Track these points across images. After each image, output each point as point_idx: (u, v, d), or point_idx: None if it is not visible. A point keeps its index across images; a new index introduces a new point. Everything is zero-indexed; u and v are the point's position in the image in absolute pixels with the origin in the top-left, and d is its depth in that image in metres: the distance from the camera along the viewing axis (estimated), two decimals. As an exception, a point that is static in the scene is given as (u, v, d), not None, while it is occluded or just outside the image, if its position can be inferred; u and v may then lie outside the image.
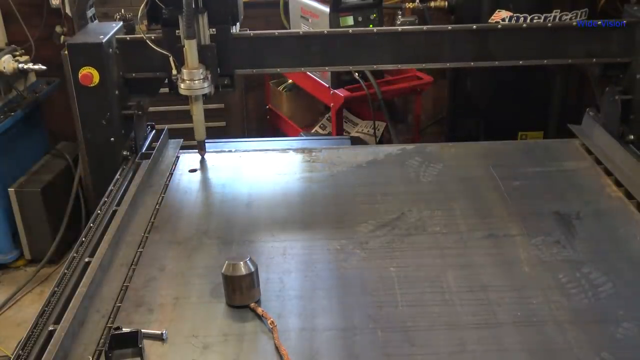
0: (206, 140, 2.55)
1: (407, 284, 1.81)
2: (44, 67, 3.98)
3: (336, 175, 2.44)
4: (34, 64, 3.98)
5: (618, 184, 2.28)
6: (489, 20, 3.53)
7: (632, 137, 2.41)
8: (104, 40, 2.31)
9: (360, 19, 3.65)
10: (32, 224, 4.04)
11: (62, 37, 4.18)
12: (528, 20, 3.45)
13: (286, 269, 1.89)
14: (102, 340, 1.61)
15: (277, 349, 1.57)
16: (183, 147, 2.66)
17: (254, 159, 2.58)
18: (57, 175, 4.18)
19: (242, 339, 1.63)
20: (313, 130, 4.28)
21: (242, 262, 1.71)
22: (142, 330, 1.58)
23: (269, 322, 1.65)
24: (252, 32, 2.46)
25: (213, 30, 2.37)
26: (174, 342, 1.62)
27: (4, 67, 3.87)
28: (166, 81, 2.45)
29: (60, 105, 4.32)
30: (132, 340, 1.54)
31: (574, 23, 2.66)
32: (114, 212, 2.12)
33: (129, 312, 1.72)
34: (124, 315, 1.71)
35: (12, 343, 3.17)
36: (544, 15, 3.46)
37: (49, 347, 1.52)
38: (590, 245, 1.97)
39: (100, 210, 2.16)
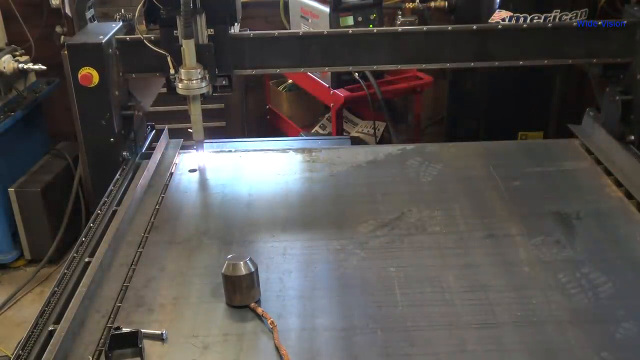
0: (206, 141, 2.55)
1: (407, 284, 1.81)
2: (44, 67, 3.99)
3: (336, 175, 2.44)
4: (34, 64, 3.98)
5: (618, 184, 2.28)
6: (489, 20, 3.54)
7: (632, 137, 2.41)
8: (103, 41, 2.31)
9: (360, 19, 3.66)
10: (32, 224, 4.04)
11: (62, 37, 4.18)
12: (528, 21, 3.46)
13: (286, 269, 1.89)
14: (102, 340, 1.61)
15: (277, 349, 1.57)
16: (183, 147, 2.66)
17: (254, 159, 2.58)
18: (57, 175, 4.18)
19: (242, 339, 1.63)
20: (313, 130, 4.28)
21: (242, 262, 1.71)
22: (142, 330, 1.58)
23: (269, 322, 1.65)
24: (251, 32, 2.46)
25: (211, 31, 2.38)
26: (174, 342, 1.62)
27: (4, 67, 3.87)
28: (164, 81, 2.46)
29: (60, 105, 4.32)
30: (132, 340, 1.54)
31: (574, 23, 2.65)
32: (114, 212, 2.12)
33: (129, 312, 1.72)
34: (124, 315, 1.71)
35: (12, 343, 3.17)
36: (544, 15, 3.46)
37: (49, 347, 1.52)
38: (590, 245, 1.97)
39: (100, 210, 2.16)
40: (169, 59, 2.32)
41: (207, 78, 2.36)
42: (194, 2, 2.25)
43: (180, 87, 2.34)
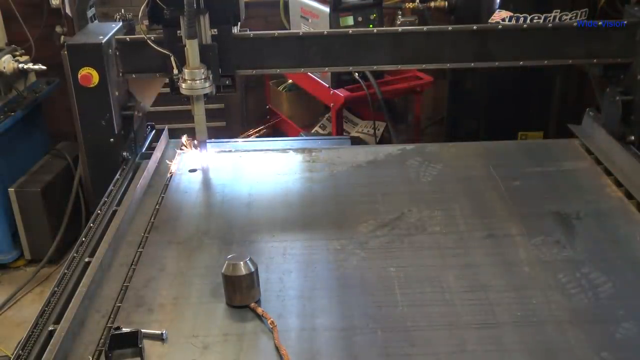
0: (206, 140, 2.55)
1: (407, 284, 1.82)
2: (44, 67, 3.98)
3: (336, 175, 2.44)
4: (34, 64, 3.98)
5: (618, 184, 2.28)
6: (489, 21, 3.53)
7: (632, 137, 2.41)
8: (103, 41, 2.31)
9: (360, 19, 3.65)
10: (32, 224, 4.04)
11: (62, 37, 4.18)
12: (528, 21, 3.45)
13: (286, 269, 1.89)
14: (102, 340, 1.61)
15: (277, 349, 1.57)
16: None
17: (254, 159, 2.58)
18: (57, 175, 4.18)
19: (242, 339, 1.63)
20: (313, 130, 4.28)
21: (242, 262, 1.71)
22: (142, 330, 1.58)
23: (269, 322, 1.65)
24: (252, 33, 2.46)
25: (214, 31, 2.38)
26: (174, 342, 1.62)
27: (4, 67, 3.87)
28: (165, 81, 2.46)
29: (60, 105, 4.32)
30: (132, 340, 1.55)
31: (574, 23, 2.66)
32: (114, 212, 2.13)
33: (129, 312, 1.72)
34: (124, 315, 1.71)
35: (12, 343, 3.17)
36: (544, 15, 3.46)
37: (49, 347, 1.52)
38: (590, 245, 1.97)
39: (100, 210, 2.16)
40: (172, 59, 2.32)
41: (210, 78, 2.36)
42: (197, 2, 2.25)
43: (183, 87, 2.35)
